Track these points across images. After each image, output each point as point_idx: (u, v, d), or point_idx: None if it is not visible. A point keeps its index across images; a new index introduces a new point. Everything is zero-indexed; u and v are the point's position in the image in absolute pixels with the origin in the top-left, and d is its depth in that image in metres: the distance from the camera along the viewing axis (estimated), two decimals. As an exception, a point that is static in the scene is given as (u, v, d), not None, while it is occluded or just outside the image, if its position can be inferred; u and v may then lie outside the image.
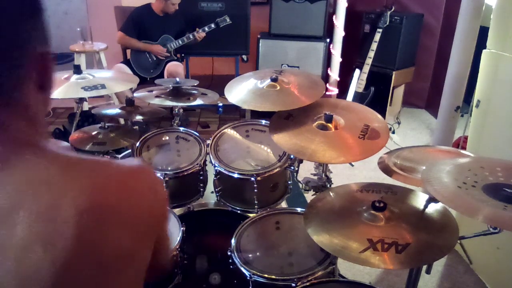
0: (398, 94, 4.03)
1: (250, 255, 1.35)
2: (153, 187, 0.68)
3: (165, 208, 0.73)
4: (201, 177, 1.77)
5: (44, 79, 0.63)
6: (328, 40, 3.73)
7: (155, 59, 3.55)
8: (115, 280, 0.60)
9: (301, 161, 1.65)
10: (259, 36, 3.80)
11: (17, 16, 0.58)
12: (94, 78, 1.86)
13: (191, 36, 3.52)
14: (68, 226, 0.54)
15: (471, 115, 2.12)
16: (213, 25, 3.55)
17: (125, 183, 0.63)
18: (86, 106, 3.22)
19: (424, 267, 1.19)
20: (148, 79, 3.51)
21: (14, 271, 0.53)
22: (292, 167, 1.67)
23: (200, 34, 3.51)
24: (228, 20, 3.55)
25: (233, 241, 1.39)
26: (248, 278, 1.27)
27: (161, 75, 3.57)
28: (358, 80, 3.76)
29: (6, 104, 0.59)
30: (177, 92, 1.99)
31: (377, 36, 3.63)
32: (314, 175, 1.61)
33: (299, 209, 1.53)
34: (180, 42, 3.54)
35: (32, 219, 0.53)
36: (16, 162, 0.57)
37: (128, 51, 3.63)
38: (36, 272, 0.53)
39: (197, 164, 1.73)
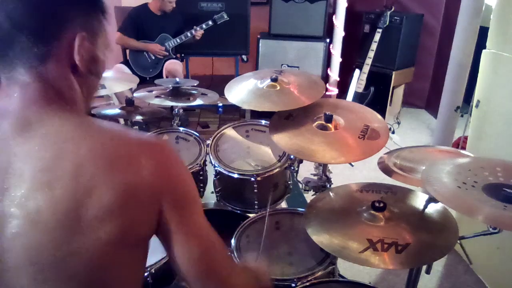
0: (398, 94, 4.03)
1: (250, 255, 1.35)
2: (163, 161, 0.69)
3: (180, 183, 0.71)
4: (201, 177, 1.77)
5: (78, 61, 0.70)
6: (328, 40, 3.73)
7: (153, 58, 3.55)
8: (96, 234, 0.62)
9: (301, 161, 1.65)
10: (259, 36, 3.80)
11: (66, 2, 0.68)
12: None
13: (188, 34, 3.51)
14: (66, 176, 0.61)
15: (471, 115, 2.12)
16: (210, 22, 3.55)
17: (126, 148, 0.67)
18: (86, 106, 3.21)
19: (424, 267, 1.19)
20: (148, 78, 3.51)
21: (25, 215, 0.61)
22: (292, 167, 1.67)
23: (197, 32, 3.50)
24: (225, 16, 3.55)
25: (233, 241, 1.39)
26: (248, 278, 1.27)
27: (160, 74, 3.57)
28: (358, 80, 3.76)
29: (37, 68, 0.66)
30: (177, 92, 1.99)
31: (377, 36, 3.63)
32: (314, 175, 1.61)
33: (299, 209, 1.53)
34: (178, 41, 3.54)
35: (37, 171, 0.62)
36: (41, 121, 0.65)
37: (128, 52, 3.63)
38: (42, 215, 0.61)
39: (197, 164, 1.73)
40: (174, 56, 3.64)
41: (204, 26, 3.54)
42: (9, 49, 0.65)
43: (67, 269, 0.63)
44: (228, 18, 3.55)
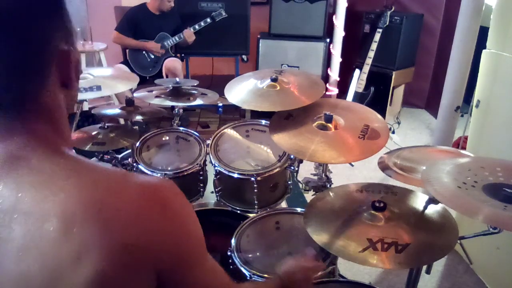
0: (398, 94, 4.03)
1: (250, 255, 1.35)
2: (166, 212, 0.60)
3: (182, 241, 0.62)
4: (201, 177, 1.77)
5: (67, 77, 0.64)
6: (328, 40, 3.73)
7: (153, 57, 3.56)
8: None
9: (301, 161, 1.65)
10: (259, 36, 3.80)
11: (40, 14, 0.58)
12: (93, 78, 1.86)
13: (182, 36, 3.53)
14: (55, 235, 0.53)
15: (471, 115, 2.12)
16: (208, 20, 3.55)
17: (126, 198, 0.57)
18: (86, 106, 3.22)
19: (424, 267, 1.19)
20: (148, 77, 3.52)
21: (12, 274, 0.54)
22: (292, 167, 1.67)
23: (187, 33, 3.50)
24: (223, 13, 3.55)
25: (233, 241, 1.39)
26: (248, 278, 1.27)
27: (160, 73, 3.57)
28: (358, 80, 3.76)
29: (27, 106, 0.59)
30: (177, 92, 1.99)
31: (377, 36, 3.63)
32: (314, 175, 1.61)
33: (299, 209, 1.53)
34: (177, 39, 3.55)
35: (27, 226, 0.54)
36: (25, 165, 0.57)
37: (127, 51, 3.64)
38: (29, 279, 0.53)
39: (197, 164, 1.73)
40: (173, 55, 3.65)
41: (202, 23, 3.54)
42: None
43: None
44: (226, 15, 3.56)
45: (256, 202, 1.65)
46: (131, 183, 0.60)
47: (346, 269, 1.97)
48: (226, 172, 1.64)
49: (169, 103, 1.91)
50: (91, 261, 0.53)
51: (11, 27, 0.56)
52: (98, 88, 1.78)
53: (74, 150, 0.65)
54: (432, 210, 1.19)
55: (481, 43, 2.13)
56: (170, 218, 0.60)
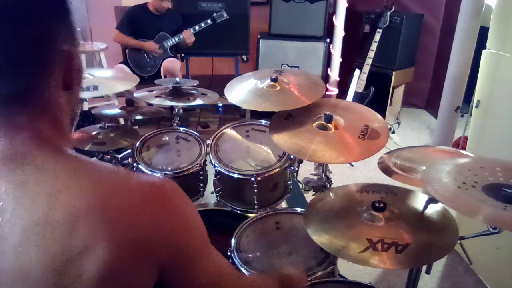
0: (398, 94, 4.03)
1: (250, 255, 1.35)
2: (167, 207, 0.62)
3: (183, 235, 0.64)
4: (201, 177, 1.77)
5: (69, 78, 0.64)
6: (328, 40, 3.73)
7: (151, 57, 3.56)
8: None
9: (301, 161, 1.65)
10: (259, 36, 3.80)
11: (45, 15, 0.60)
12: (93, 78, 1.86)
13: (181, 37, 3.53)
14: (59, 231, 0.54)
15: (471, 115, 2.12)
16: (209, 21, 3.55)
17: (128, 194, 0.59)
18: (86, 106, 3.22)
19: (424, 267, 1.19)
20: (146, 77, 3.52)
21: (10, 270, 0.54)
22: (292, 167, 1.67)
23: (186, 34, 3.50)
24: (225, 15, 3.55)
25: (233, 241, 1.39)
26: (248, 278, 1.27)
27: (158, 73, 3.57)
28: (358, 80, 3.76)
29: (31, 103, 0.60)
30: (177, 92, 1.99)
31: (377, 36, 3.63)
32: (314, 175, 1.61)
33: (299, 209, 1.53)
34: (176, 39, 3.54)
35: (30, 221, 0.55)
36: (28, 163, 0.57)
37: (127, 51, 3.64)
38: (29, 273, 0.54)
39: (197, 164, 1.73)
40: (173, 55, 3.64)
41: (203, 25, 3.54)
42: None
43: None
44: (227, 17, 3.55)
45: (256, 202, 1.65)
46: (134, 181, 0.61)
47: (346, 269, 1.97)
48: (226, 172, 1.64)
49: (169, 103, 1.91)
50: (96, 256, 0.54)
51: (17, 23, 0.56)
52: (95, 88, 1.78)
53: (74, 150, 0.65)
54: (432, 210, 1.19)
55: (481, 43, 2.13)
56: (172, 214, 0.62)
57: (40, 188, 0.56)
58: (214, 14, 3.55)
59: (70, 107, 0.67)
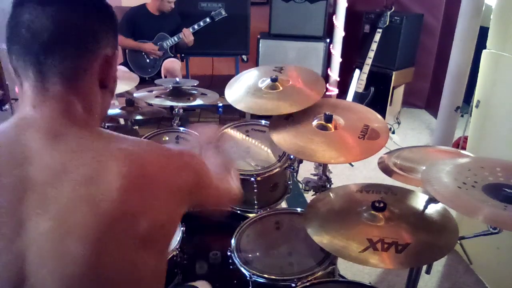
0: (398, 94, 4.03)
1: (250, 255, 1.35)
2: (188, 165, 0.77)
3: (200, 175, 0.79)
4: (201, 177, 1.77)
5: (106, 78, 0.73)
6: (328, 40, 3.73)
7: (152, 58, 3.55)
8: (148, 246, 0.66)
9: (301, 161, 1.65)
10: (259, 36, 3.79)
11: (96, 17, 0.70)
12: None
13: (180, 36, 3.52)
14: (110, 190, 0.62)
15: (471, 115, 2.12)
16: (208, 19, 3.55)
17: (162, 157, 0.72)
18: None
19: (424, 267, 1.19)
20: (147, 78, 3.51)
21: (59, 227, 0.61)
22: (292, 167, 1.67)
23: (185, 33, 3.49)
24: (223, 12, 3.54)
25: (233, 241, 1.39)
26: (248, 278, 1.27)
27: (159, 74, 3.57)
28: (358, 80, 3.76)
29: (71, 84, 0.68)
30: (177, 92, 1.99)
31: (377, 36, 3.63)
32: (314, 175, 1.61)
33: (299, 209, 1.53)
34: (176, 39, 3.54)
35: (78, 182, 0.62)
36: (69, 133, 0.66)
37: (127, 52, 3.63)
38: (79, 228, 0.61)
39: (197, 164, 1.73)
40: (173, 55, 3.64)
41: (202, 23, 3.54)
42: (49, 57, 0.65)
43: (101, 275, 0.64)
44: (226, 15, 3.55)
45: (256, 202, 1.65)
46: (160, 145, 0.78)
47: (346, 269, 1.97)
48: (226, 172, 1.63)
49: (169, 103, 1.91)
50: (152, 209, 0.66)
51: (75, 14, 0.67)
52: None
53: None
54: (432, 210, 1.19)
55: (481, 43, 2.13)
56: (193, 166, 0.78)
57: (82, 155, 0.64)
58: (213, 12, 3.55)
59: (102, 106, 0.75)
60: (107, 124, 1.85)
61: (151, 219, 0.66)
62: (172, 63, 3.54)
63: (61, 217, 0.61)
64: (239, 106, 1.55)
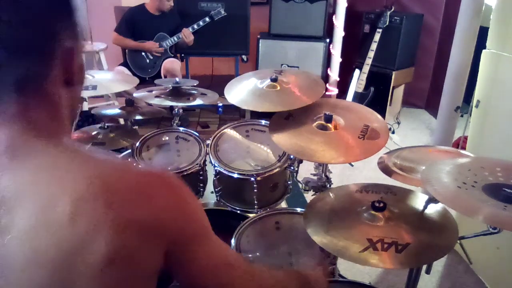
0: (398, 94, 4.03)
1: (250, 255, 1.35)
2: (169, 191, 0.63)
3: (186, 219, 0.65)
4: (201, 177, 1.77)
5: (70, 75, 0.65)
6: (328, 40, 3.73)
7: (151, 58, 3.55)
8: (107, 275, 0.56)
9: (301, 161, 1.65)
10: (259, 36, 3.80)
11: (49, 10, 0.60)
12: (93, 78, 1.86)
13: (180, 36, 3.52)
14: (64, 216, 0.55)
15: (471, 115, 2.12)
16: (207, 19, 3.55)
17: (130, 178, 0.60)
18: (86, 106, 3.22)
19: (424, 267, 1.19)
20: (147, 78, 3.51)
21: (20, 253, 0.55)
22: (292, 167, 1.67)
23: (185, 33, 3.49)
24: (222, 12, 3.54)
25: (233, 241, 1.39)
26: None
27: (159, 74, 3.57)
28: (358, 80, 3.76)
29: (28, 93, 0.60)
30: (177, 92, 1.99)
31: (377, 36, 3.63)
32: (314, 175, 1.60)
33: (299, 209, 1.53)
34: (176, 39, 3.54)
35: (35, 208, 0.55)
36: (27, 151, 0.58)
37: (127, 52, 3.63)
38: (39, 258, 0.55)
39: (197, 164, 1.73)
40: (173, 55, 3.64)
41: (201, 23, 3.54)
42: None
43: None
44: (225, 14, 3.55)
45: (256, 202, 1.65)
46: (135, 167, 0.65)
47: (346, 269, 1.97)
48: (226, 172, 1.64)
49: (169, 103, 1.91)
50: (101, 239, 0.55)
51: (21, 13, 0.57)
52: (94, 87, 1.78)
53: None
54: (432, 210, 1.19)
55: (481, 43, 2.13)
56: (174, 198, 0.64)
57: (41, 176, 0.57)
58: (212, 12, 3.54)
59: (71, 104, 0.67)
60: (107, 124, 1.84)
61: (100, 247, 0.55)
62: (172, 63, 3.54)
63: (26, 244, 0.55)
64: (238, 103, 1.55)
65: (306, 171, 1.64)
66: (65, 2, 0.63)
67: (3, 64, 0.57)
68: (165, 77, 3.50)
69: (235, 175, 1.62)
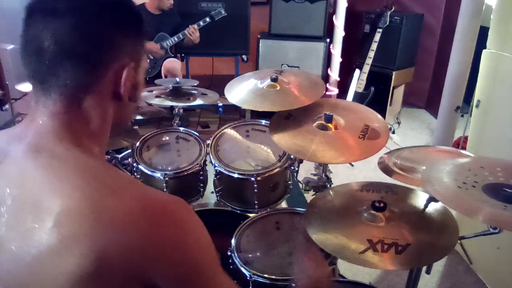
0: (398, 94, 4.03)
1: (250, 255, 1.35)
2: (169, 221, 0.58)
3: (184, 252, 0.59)
4: (201, 177, 1.77)
5: (120, 90, 0.66)
6: (328, 40, 3.73)
7: (152, 58, 3.55)
8: None
9: (301, 161, 1.65)
10: (259, 36, 3.80)
11: (112, 25, 0.63)
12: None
13: (185, 33, 3.49)
14: (46, 216, 0.56)
15: (471, 115, 2.12)
16: (208, 19, 3.54)
17: (127, 202, 0.57)
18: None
19: (424, 267, 1.19)
20: (147, 78, 3.51)
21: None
22: (292, 167, 1.67)
23: (190, 30, 3.46)
24: (223, 12, 3.53)
25: (233, 241, 1.39)
26: (248, 278, 1.27)
27: (159, 74, 3.56)
28: (358, 80, 3.76)
29: (72, 98, 0.63)
30: (177, 92, 1.99)
31: (377, 36, 3.63)
32: (314, 175, 1.61)
33: (299, 209, 1.53)
34: (176, 39, 3.53)
35: (22, 198, 0.58)
36: (43, 151, 0.61)
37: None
38: (11, 249, 0.57)
39: (197, 164, 1.73)
40: (173, 55, 3.64)
41: (201, 23, 3.52)
42: (51, 76, 0.61)
43: None
44: (225, 14, 3.54)
45: (256, 202, 1.65)
46: (138, 191, 0.60)
47: (346, 269, 1.97)
48: (226, 172, 1.64)
49: (169, 103, 1.91)
50: (76, 253, 0.53)
51: (82, 24, 0.61)
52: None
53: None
54: (433, 210, 1.19)
55: (481, 43, 2.13)
56: (170, 230, 0.58)
57: (46, 175, 0.58)
58: (212, 12, 3.54)
59: (116, 118, 0.69)
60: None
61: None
62: (173, 63, 3.54)
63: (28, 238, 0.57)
64: (238, 102, 1.55)
65: (306, 171, 1.64)
66: (130, 17, 0.66)
67: (59, 64, 0.60)
68: (166, 77, 3.50)
69: (236, 175, 1.62)
